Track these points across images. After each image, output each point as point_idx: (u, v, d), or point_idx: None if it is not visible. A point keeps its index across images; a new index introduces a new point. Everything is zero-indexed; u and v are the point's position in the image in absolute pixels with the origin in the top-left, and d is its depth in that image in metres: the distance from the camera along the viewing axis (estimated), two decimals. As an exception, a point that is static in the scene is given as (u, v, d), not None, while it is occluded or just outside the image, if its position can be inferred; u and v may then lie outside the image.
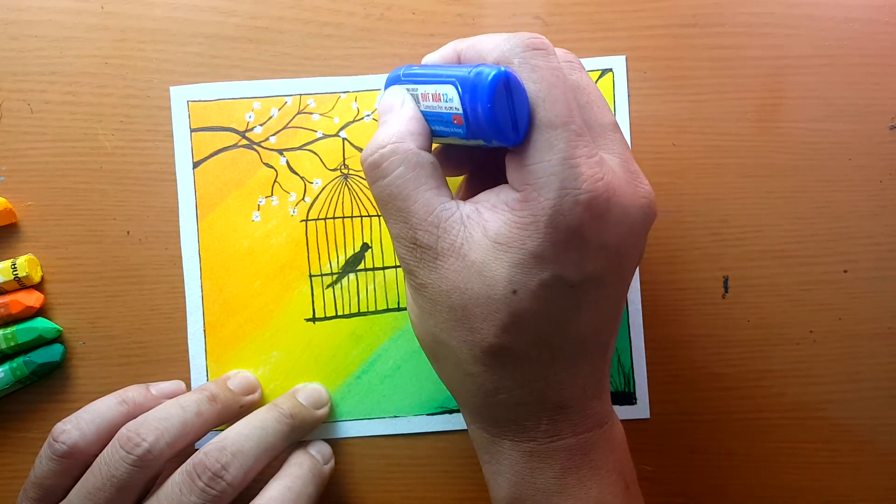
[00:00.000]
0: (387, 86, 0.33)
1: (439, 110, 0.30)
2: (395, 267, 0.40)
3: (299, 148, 0.40)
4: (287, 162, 0.40)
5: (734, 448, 0.40)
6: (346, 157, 0.40)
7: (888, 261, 0.40)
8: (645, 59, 0.40)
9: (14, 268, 0.38)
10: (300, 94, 0.40)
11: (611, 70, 0.40)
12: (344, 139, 0.40)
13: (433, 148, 0.35)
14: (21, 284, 0.39)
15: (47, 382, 0.40)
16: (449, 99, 0.29)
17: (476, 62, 0.29)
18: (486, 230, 0.28)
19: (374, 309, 0.40)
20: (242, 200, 0.40)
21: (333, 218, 0.40)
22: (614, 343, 0.32)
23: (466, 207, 0.29)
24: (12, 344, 0.38)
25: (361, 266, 0.40)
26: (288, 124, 0.40)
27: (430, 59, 0.33)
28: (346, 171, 0.40)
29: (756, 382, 0.40)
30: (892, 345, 0.40)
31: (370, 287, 0.40)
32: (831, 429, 0.40)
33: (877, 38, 0.40)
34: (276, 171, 0.40)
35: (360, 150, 0.40)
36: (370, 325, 0.40)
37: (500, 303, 0.28)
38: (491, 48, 0.29)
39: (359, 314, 0.40)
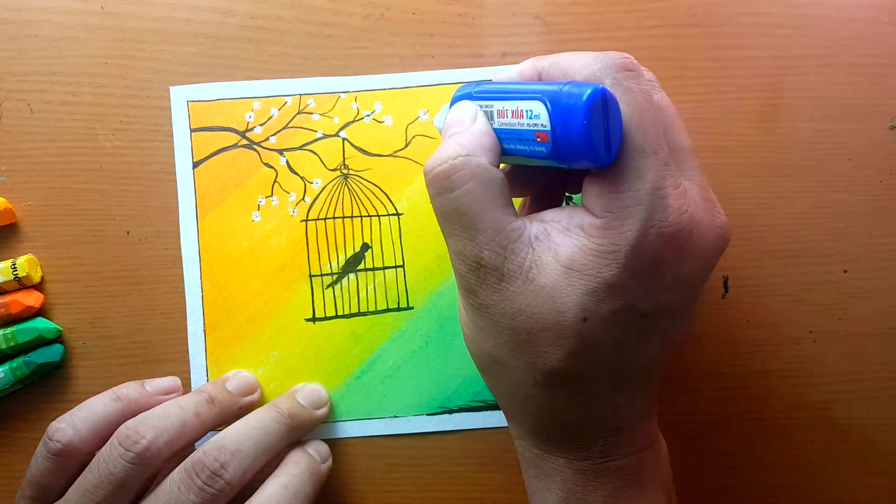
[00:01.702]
0: (454, 102, 0.31)
1: (519, 127, 0.28)
2: (395, 267, 0.40)
3: (299, 148, 0.40)
4: (287, 162, 0.40)
5: (734, 448, 0.40)
6: (345, 157, 0.40)
7: (888, 261, 0.40)
8: (645, 59, 0.40)
9: (14, 268, 0.38)
10: (300, 94, 0.40)
11: (611, 70, 0.40)
12: (344, 139, 0.40)
13: (505, 168, 0.34)
14: (21, 284, 0.39)
15: (47, 382, 0.40)
16: (535, 115, 0.27)
17: (561, 80, 0.28)
18: (557, 254, 0.28)
19: (374, 309, 0.40)
20: (242, 200, 0.40)
21: (333, 218, 0.40)
22: (669, 362, 0.32)
23: (534, 227, 0.28)
24: (12, 344, 0.38)
25: (361, 266, 0.40)
26: (288, 124, 0.40)
27: (504, 76, 0.32)
28: (345, 171, 0.40)
29: (756, 382, 0.40)
30: (892, 345, 0.40)
31: (370, 287, 0.40)
32: (831, 429, 0.40)
33: (877, 38, 0.40)
34: (276, 171, 0.40)
35: (360, 150, 0.40)
36: (370, 325, 0.40)
37: (569, 329, 0.28)
38: (579, 67, 0.28)
39: (359, 314, 0.40)
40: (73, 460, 0.33)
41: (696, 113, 0.40)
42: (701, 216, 0.28)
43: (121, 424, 0.33)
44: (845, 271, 0.40)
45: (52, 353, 0.39)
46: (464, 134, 0.29)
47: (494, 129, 0.30)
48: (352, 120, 0.40)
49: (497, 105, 0.29)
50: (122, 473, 0.32)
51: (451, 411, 0.40)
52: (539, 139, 0.27)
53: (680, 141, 0.29)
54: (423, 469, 0.40)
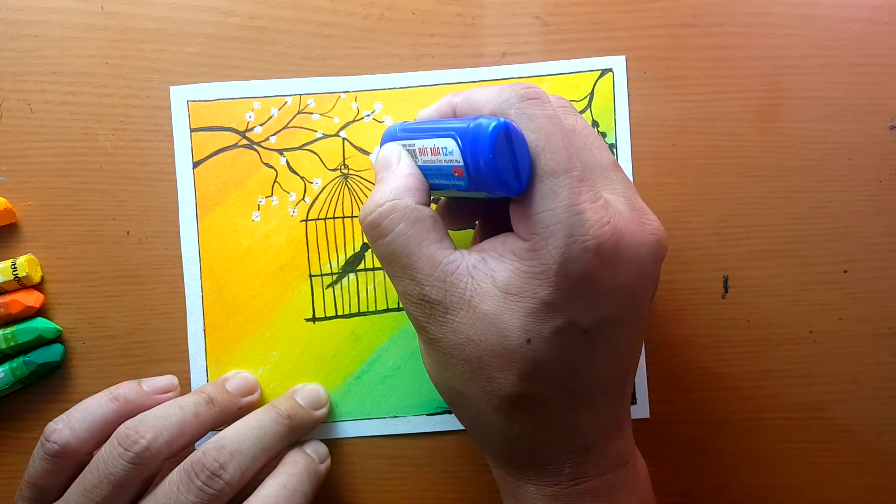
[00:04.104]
0: (383, 142, 0.33)
1: (438, 164, 0.29)
2: (395, 267, 0.40)
3: (299, 148, 0.40)
4: (287, 162, 0.40)
5: (734, 448, 0.40)
6: (345, 157, 0.40)
7: (888, 261, 0.40)
8: (645, 59, 0.40)
9: (14, 268, 0.38)
10: (300, 94, 0.40)
11: (611, 70, 0.40)
12: (344, 139, 0.40)
13: (440, 201, 0.35)
14: (21, 284, 0.39)
15: (47, 382, 0.40)
16: (449, 152, 0.28)
17: (472, 115, 0.29)
18: (494, 280, 0.28)
19: (374, 309, 0.40)
20: (242, 200, 0.40)
21: (333, 218, 0.40)
22: (633, 379, 0.32)
23: (472, 257, 0.29)
24: (12, 344, 0.38)
25: (361, 266, 0.40)
26: (288, 124, 0.40)
27: (424, 114, 0.33)
28: (345, 171, 0.40)
29: (756, 382, 0.40)
30: (892, 345, 0.40)
31: (370, 287, 0.40)
32: (831, 429, 0.40)
33: (877, 38, 0.40)
34: (276, 171, 0.40)
35: (360, 149, 0.40)
36: (370, 325, 0.40)
37: (515, 352, 0.28)
38: (486, 100, 0.29)
39: (359, 314, 0.40)
40: (71, 461, 0.33)
41: (696, 113, 0.40)
42: (627, 225, 0.28)
43: (118, 424, 0.33)
44: (845, 271, 0.40)
45: (52, 353, 0.39)
46: (388, 179, 0.30)
47: (420, 167, 0.31)
48: (352, 120, 0.40)
49: (418, 143, 0.30)
50: (121, 473, 0.32)
51: (450, 411, 0.40)
52: (456, 174, 0.29)
53: (598, 158, 0.30)
54: (423, 469, 0.40)
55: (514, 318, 0.28)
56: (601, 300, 0.28)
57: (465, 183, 0.29)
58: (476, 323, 0.28)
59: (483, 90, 0.30)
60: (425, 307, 0.29)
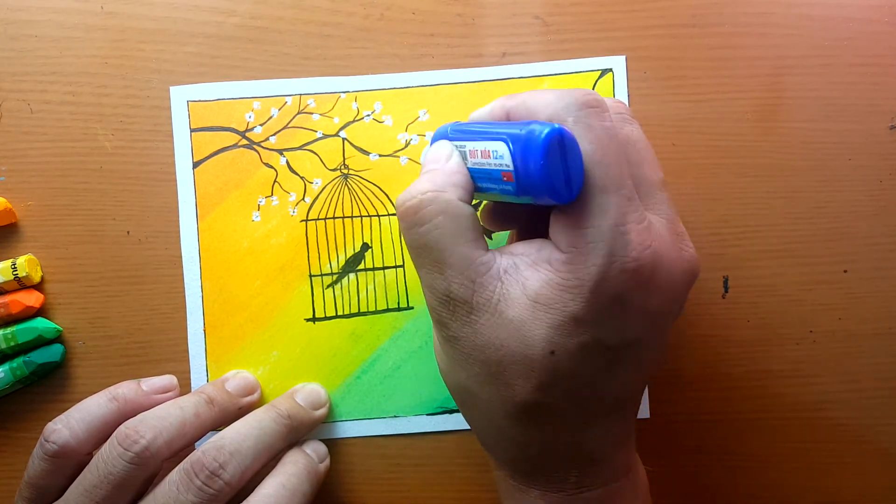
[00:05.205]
0: (433, 141, 0.32)
1: (488, 167, 0.29)
2: (395, 267, 0.40)
3: (299, 148, 0.40)
4: (287, 162, 0.40)
5: (734, 448, 0.40)
6: (345, 157, 0.40)
7: (888, 261, 0.40)
8: (645, 59, 0.40)
9: (14, 268, 0.38)
10: (300, 94, 0.40)
11: (611, 70, 0.40)
12: (344, 139, 0.40)
13: (484, 203, 0.35)
14: (21, 284, 0.39)
15: (47, 382, 0.40)
16: (499, 156, 0.28)
17: (527, 119, 0.29)
18: (525, 287, 0.28)
19: (374, 309, 0.40)
20: (242, 200, 0.40)
21: (333, 218, 0.40)
22: (644, 390, 0.32)
23: (504, 260, 0.29)
24: (12, 344, 0.38)
25: (361, 266, 0.40)
26: (288, 124, 0.40)
27: (476, 115, 0.32)
28: (345, 171, 0.40)
29: (756, 382, 0.40)
30: (892, 345, 0.40)
31: (370, 287, 0.40)
32: (831, 429, 0.40)
33: (877, 38, 0.40)
34: (276, 171, 0.40)
35: (360, 149, 0.40)
36: (370, 325, 0.40)
37: (537, 362, 0.28)
38: (543, 106, 0.28)
39: (359, 314, 0.40)
40: (70, 461, 0.33)
41: (696, 113, 0.40)
42: (666, 250, 0.28)
43: (117, 424, 0.33)
44: (845, 271, 0.40)
45: (52, 353, 0.39)
46: (436, 172, 0.30)
47: (469, 169, 0.30)
48: (352, 120, 0.40)
49: (469, 145, 0.30)
50: (121, 473, 0.32)
51: (451, 411, 0.40)
52: (505, 178, 0.28)
53: (648, 174, 0.30)
54: (423, 469, 0.40)
55: (540, 329, 0.27)
56: (630, 321, 0.28)
57: (513, 188, 0.28)
58: (500, 328, 0.28)
59: (541, 94, 0.29)
60: (449, 304, 0.29)
